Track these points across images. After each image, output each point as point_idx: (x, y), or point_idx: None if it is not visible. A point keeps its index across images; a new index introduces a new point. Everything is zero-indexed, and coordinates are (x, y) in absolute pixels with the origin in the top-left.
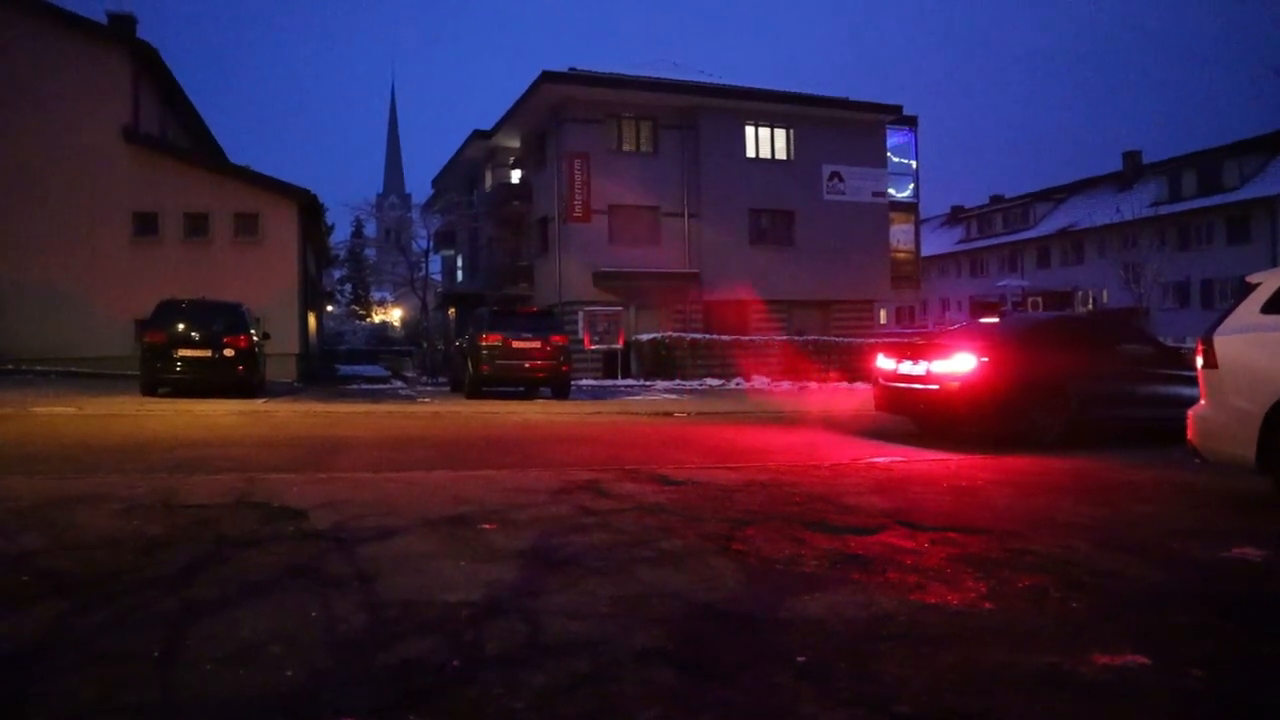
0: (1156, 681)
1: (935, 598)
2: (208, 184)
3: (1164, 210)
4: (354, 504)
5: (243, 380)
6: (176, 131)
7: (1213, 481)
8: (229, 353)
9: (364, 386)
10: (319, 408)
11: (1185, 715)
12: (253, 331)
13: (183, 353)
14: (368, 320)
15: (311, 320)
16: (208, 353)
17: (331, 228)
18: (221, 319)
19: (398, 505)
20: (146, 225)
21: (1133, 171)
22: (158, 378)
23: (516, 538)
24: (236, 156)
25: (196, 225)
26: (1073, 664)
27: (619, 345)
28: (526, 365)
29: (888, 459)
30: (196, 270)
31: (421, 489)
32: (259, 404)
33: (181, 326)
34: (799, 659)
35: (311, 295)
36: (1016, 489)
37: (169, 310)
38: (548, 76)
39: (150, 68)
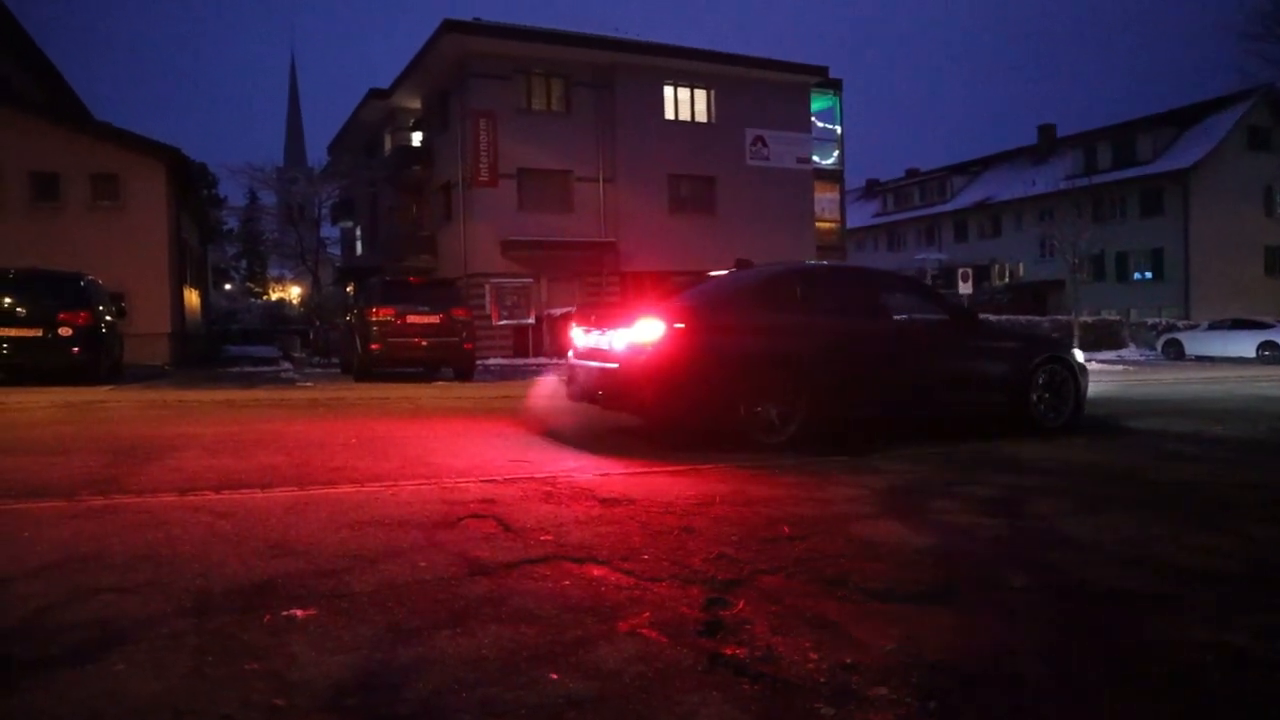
0: None
1: None
2: (58, 141)
3: (1079, 183)
4: (103, 562)
5: (82, 363)
6: (27, 87)
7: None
8: (65, 332)
9: (245, 369)
10: (173, 396)
11: None
12: (100, 307)
13: (5, 332)
14: (264, 298)
15: (193, 297)
16: (38, 332)
17: (224, 199)
18: (57, 292)
19: (175, 562)
20: None
21: (1048, 145)
22: None
23: (337, 646)
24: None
25: (45, 188)
26: None
27: (530, 320)
28: (424, 343)
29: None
30: (46, 239)
31: (235, 525)
32: (101, 392)
33: (6, 301)
34: None
35: (191, 268)
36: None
37: None
38: (450, 26)
39: None
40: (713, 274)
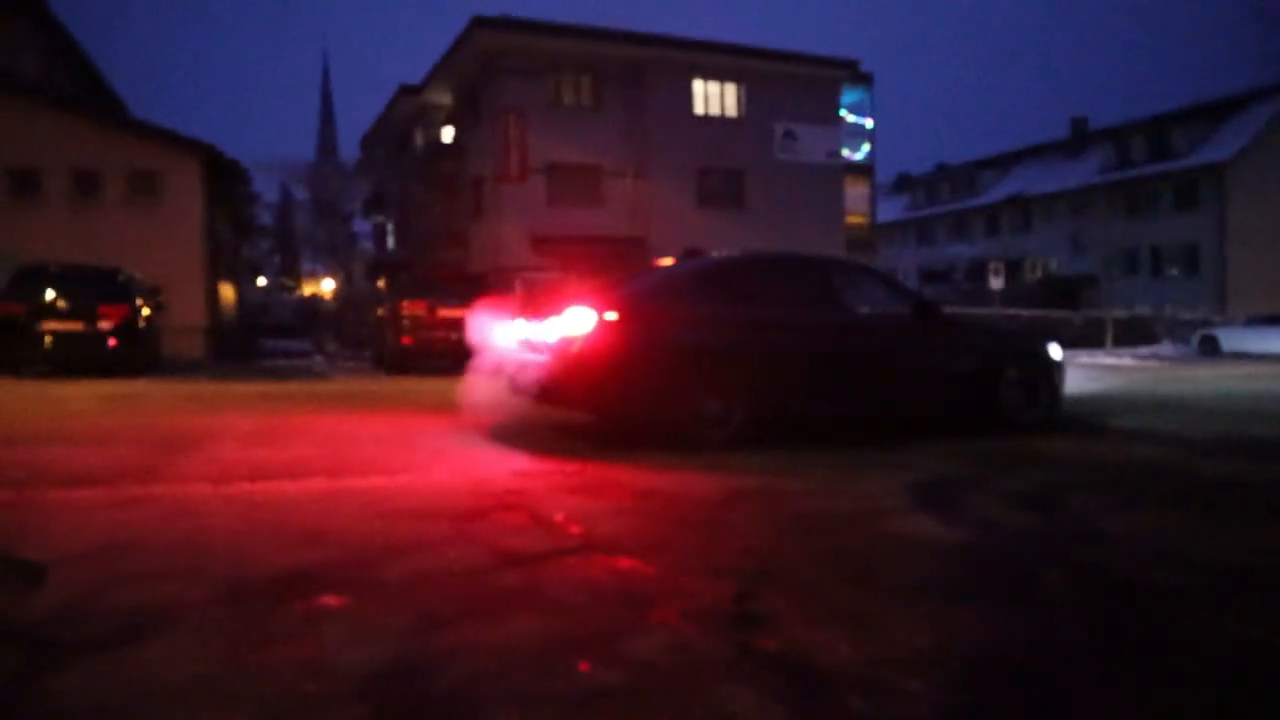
0: None
1: None
2: (98, 138)
3: (1112, 177)
4: (139, 550)
5: (120, 356)
6: (67, 84)
7: None
8: (104, 325)
9: (279, 362)
10: (209, 388)
11: None
12: (138, 301)
13: (49, 326)
14: (298, 292)
15: (228, 291)
16: (78, 326)
17: (257, 195)
18: (96, 287)
19: (210, 550)
20: (25, 184)
21: (1080, 138)
22: (18, 356)
23: (369, 634)
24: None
25: (85, 185)
26: None
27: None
28: (454, 336)
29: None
30: (86, 235)
31: (267, 514)
32: (139, 384)
33: (48, 296)
34: None
35: (226, 263)
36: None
37: (33, 277)
38: (479, 22)
39: (30, 11)
40: (659, 262)
